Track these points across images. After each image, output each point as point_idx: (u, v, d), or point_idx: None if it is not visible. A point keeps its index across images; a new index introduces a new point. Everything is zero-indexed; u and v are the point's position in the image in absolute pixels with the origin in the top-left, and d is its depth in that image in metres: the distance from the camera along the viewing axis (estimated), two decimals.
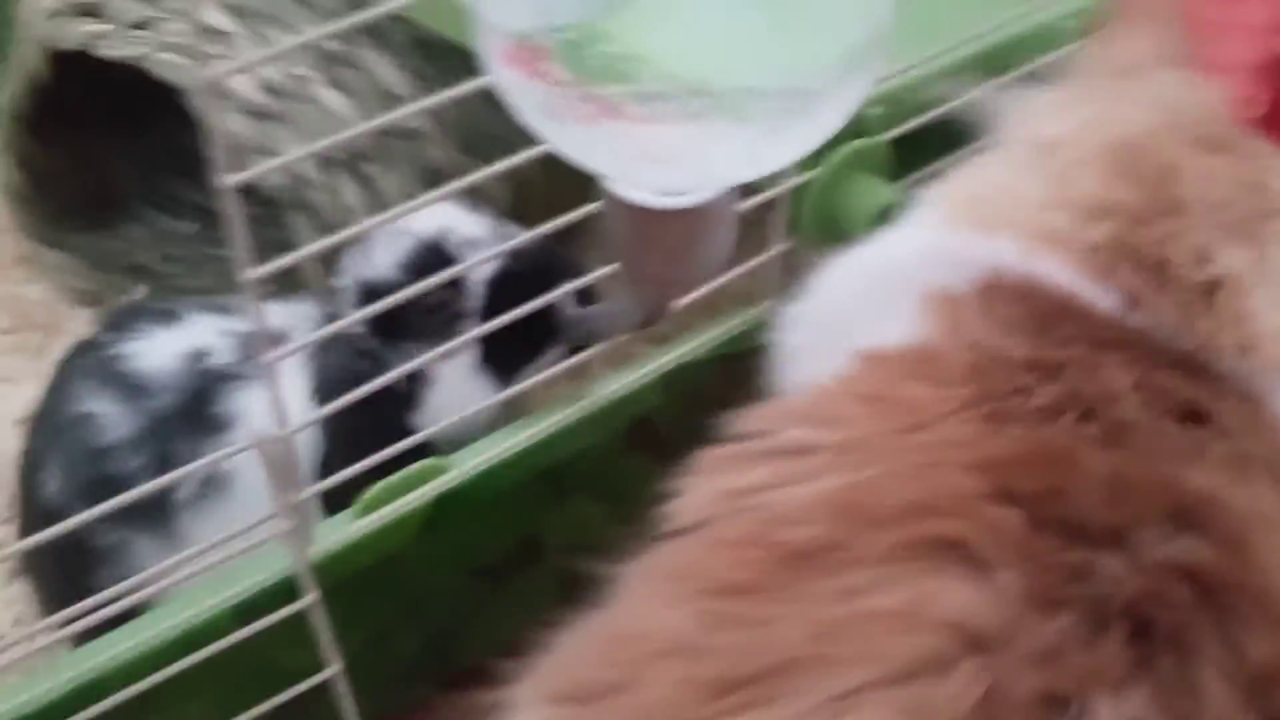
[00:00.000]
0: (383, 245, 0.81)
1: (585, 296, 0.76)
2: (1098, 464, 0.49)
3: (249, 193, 0.60)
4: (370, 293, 0.78)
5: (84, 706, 0.59)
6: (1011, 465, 0.49)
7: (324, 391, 0.82)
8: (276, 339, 0.59)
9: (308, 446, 0.80)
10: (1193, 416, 0.52)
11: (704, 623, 0.47)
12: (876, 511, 0.48)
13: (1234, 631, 0.46)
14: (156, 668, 0.60)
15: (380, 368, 0.70)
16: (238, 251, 0.51)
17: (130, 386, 0.86)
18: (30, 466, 0.88)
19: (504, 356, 0.81)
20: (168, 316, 0.88)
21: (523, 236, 0.71)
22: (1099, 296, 0.56)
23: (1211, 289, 0.56)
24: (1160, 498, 0.48)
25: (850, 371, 0.56)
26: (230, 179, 0.47)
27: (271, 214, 0.95)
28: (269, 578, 0.64)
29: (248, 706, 0.64)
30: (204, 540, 0.81)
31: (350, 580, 0.66)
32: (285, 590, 0.63)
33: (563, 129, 0.47)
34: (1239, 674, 0.45)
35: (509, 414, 0.76)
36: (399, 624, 0.73)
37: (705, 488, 0.53)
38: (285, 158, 0.58)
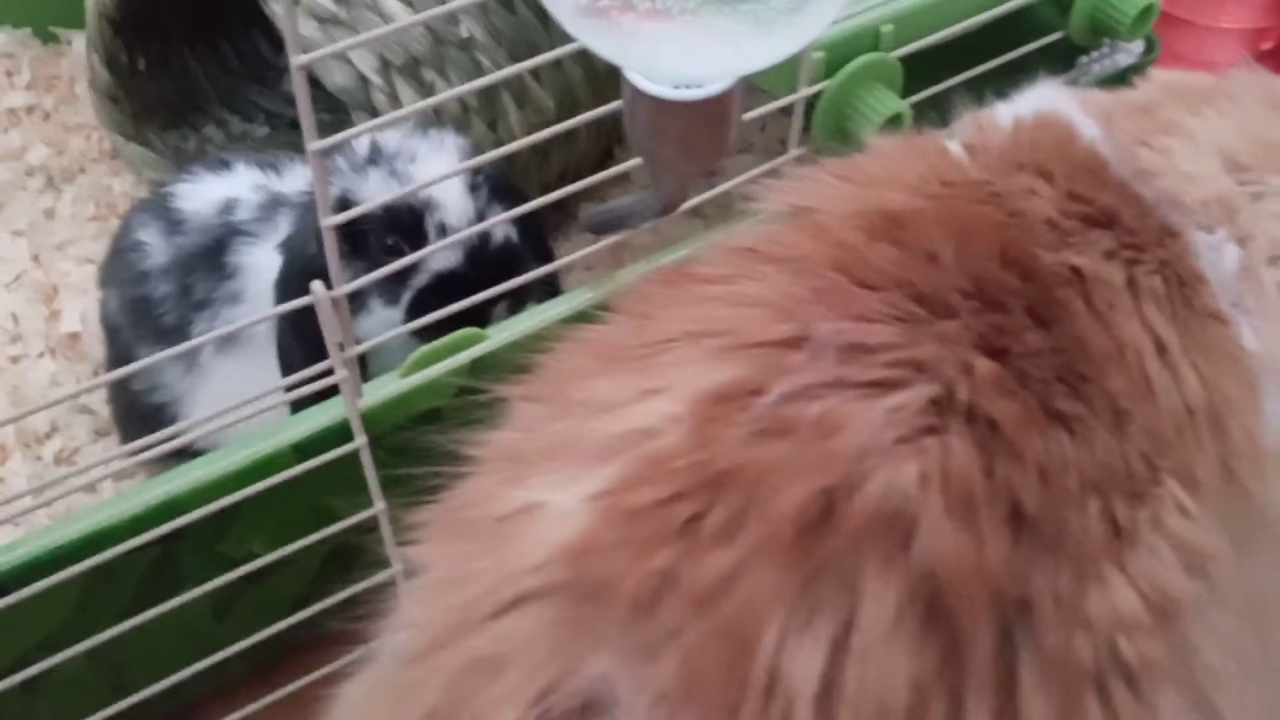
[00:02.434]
0: (376, 183, 0.86)
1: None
2: (956, 216, 0.56)
3: (319, 98, 0.67)
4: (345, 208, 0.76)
5: (166, 521, 0.68)
6: (890, 218, 0.56)
7: (286, 265, 0.89)
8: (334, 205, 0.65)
9: None
10: (1099, 222, 0.58)
11: (616, 326, 0.58)
12: (773, 253, 0.57)
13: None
14: (227, 493, 0.69)
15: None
16: (306, 125, 0.59)
17: (172, 222, 0.97)
18: (101, 284, 1.02)
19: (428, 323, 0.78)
20: (221, 165, 0.99)
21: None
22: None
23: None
24: (996, 245, 0.55)
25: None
26: (300, 59, 0.55)
27: (339, 119, 1.03)
28: (325, 422, 0.73)
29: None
30: (220, 373, 0.92)
31: (394, 432, 0.74)
32: (339, 434, 0.72)
33: (590, 27, 0.55)
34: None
35: None
36: (437, 476, 0.81)
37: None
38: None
